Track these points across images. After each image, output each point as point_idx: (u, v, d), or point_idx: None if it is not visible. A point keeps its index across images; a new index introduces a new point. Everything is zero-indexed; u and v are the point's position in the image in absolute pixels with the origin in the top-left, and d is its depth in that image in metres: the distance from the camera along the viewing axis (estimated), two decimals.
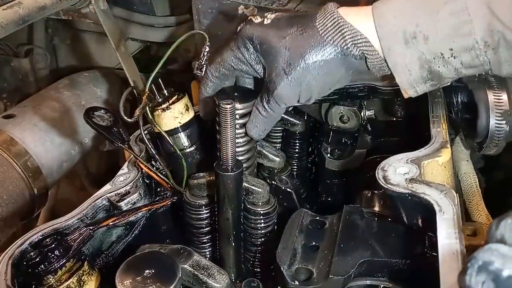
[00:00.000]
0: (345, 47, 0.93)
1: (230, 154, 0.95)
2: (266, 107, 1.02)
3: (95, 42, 2.17)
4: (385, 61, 0.93)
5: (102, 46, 2.16)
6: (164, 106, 1.09)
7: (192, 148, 1.15)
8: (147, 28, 2.04)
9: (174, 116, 1.11)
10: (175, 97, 1.11)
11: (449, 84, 0.97)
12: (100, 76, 1.97)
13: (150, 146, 1.11)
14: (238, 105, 1.04)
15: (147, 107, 1.06)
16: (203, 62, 1.05)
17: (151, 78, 1.06)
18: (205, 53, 1.04)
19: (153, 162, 1.14)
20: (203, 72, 1.06)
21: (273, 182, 1.21)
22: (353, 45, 0.92)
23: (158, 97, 1.10)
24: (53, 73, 2.19)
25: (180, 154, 1.13)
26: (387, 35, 0.91)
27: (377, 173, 0.91)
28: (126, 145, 1.07)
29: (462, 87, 1.23)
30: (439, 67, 0.91)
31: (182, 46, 1.91)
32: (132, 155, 1.09)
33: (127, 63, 1.65)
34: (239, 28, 1.03)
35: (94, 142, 1.78)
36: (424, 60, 0.91)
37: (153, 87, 1.08)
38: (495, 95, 1.13)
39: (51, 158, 1.62)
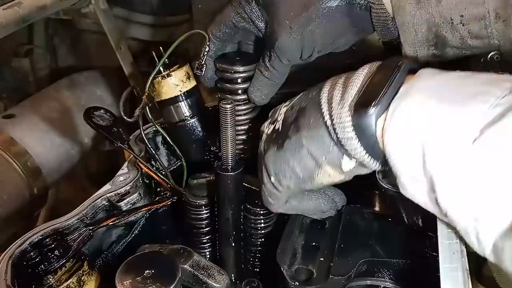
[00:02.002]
0: None
1: (230, 154, 0.95)
2: (268, 65, 0.99)
3: (95, 42, 2.16)
4: (393, 18, 0.91)
5: (102, 46, 2.15)
6: (164, 73, 1.09)
7: (193, 120, 1.13)
8: (147, 28, 2.04)
9: (175, 83, 1.10)
10: (177, 65, 1.11)
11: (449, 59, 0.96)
12: (100, 76, 1.97)
13: (150, 146, 1.11)
14: (239, 68, 1.03)
15: (147, 107, 1.06)
16: (203, 62, 1.05)
17: (150, 78, 1.06)
18: (205, 53, 1.04)
19: (153, 162, 1.14)
20: (203, 72, 1.06)
21: None
22: None
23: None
24: (53, 73, 2.19)
25: (180, 153, 1.13)
26: None
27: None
28: (126, 145, 1.07)
29: None
30: (446, 32, 0.89)
31: (182, 46, 1.91)
32: (132, 155, 1.09)
33: (127, 63, 1.66)
34: None
35: (94, 142, 1.78)
36: (432, 23, 0.89)
37: (154, 55, 1.07)
38: None
39: (51, 158, 1.61)
